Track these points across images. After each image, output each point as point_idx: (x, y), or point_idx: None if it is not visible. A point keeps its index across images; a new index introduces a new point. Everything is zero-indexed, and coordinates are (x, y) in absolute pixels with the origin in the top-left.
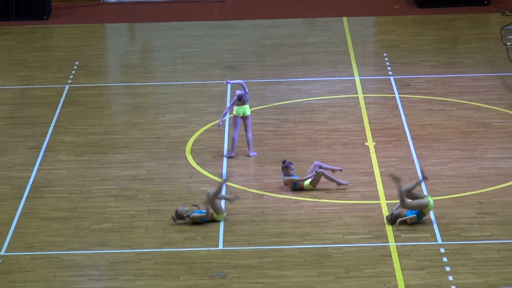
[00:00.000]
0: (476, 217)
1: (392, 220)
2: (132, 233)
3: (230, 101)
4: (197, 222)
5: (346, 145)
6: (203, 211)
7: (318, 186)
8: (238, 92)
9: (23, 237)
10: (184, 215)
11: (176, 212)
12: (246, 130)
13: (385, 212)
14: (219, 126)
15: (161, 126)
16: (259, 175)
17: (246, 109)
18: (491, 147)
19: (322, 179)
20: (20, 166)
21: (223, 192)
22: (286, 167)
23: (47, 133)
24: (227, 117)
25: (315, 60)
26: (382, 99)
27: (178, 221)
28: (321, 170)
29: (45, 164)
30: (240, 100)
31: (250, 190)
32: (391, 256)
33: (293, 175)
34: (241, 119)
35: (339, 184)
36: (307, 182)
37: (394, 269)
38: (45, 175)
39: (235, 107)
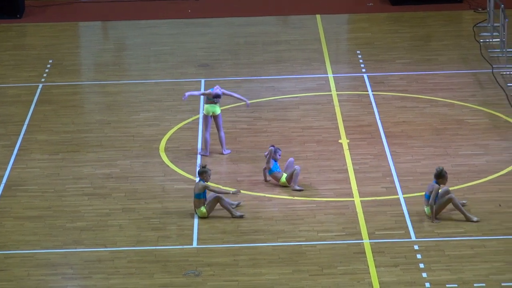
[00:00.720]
0: (450, 213)
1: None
2: (106, 232)
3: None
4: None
5: (319, 143)
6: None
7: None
8: (219, 90)
9: None
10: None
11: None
12: (217, 129)
13: (359, 209)
14: (184, 98)
15: (134, 125)
16: (233, 173)
17: (216, 108)
18: (465, 144)
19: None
20: None
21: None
22: (275, 152)
23: (20, 131)
24: (201, 113)
25: (288, 58)
26: (355, 96)
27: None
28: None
29: (18, 163)
30: (215, 98)
31: (224, 187)
32: (365, 253)
33: (275, 162)
34: (212, 118)
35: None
36: (283, 178)
37: (368, 266)
38: (18, 174)
39: (205, 105)
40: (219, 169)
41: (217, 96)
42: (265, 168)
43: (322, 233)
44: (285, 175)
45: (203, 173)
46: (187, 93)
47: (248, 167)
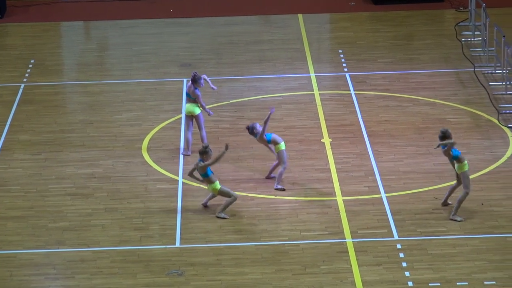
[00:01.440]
0: (432, 212)
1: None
2: (88, 232)
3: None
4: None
5: (302, 142)
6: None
7: (274, 183)
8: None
9: None
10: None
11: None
12: (199, 128)
13: (342, 209)
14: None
15: (117, 124)
16: (216, 172)
17: (195, 108)
18: None
19: None
20: None
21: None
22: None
23: (2, 132)
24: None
25: (271, 58)
26: (337, 95)
27: None
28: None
29: (1, 163)
30: (196, 82)
31: (206, 187)
32: (348, 252)
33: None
34: (193, 118)
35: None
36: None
37: (351, 265)
38: (1, 174)
39: (186, 105)
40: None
41: (194, 79)
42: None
43: (305, 232)
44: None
45: (204, 154)
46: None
47: (231, 166)
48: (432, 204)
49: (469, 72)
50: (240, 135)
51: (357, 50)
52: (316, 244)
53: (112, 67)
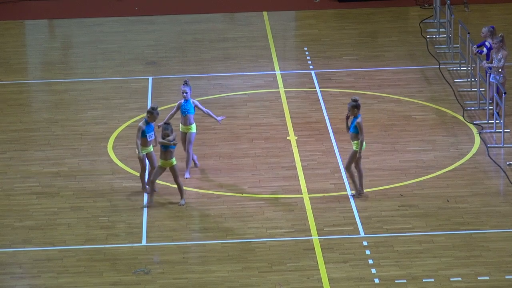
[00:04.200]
0: (398, 209)
1: None
2: (54, 231)
3: (152, 98)
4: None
5: (268, 140)
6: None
7: (240, 181)
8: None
9: None
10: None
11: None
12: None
13: (308, 206)
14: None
15: (82, 123)
16: (181, 170)
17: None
18: (412, 140)
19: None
20: None
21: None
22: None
23: None
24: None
25: (236, 55)
26: (303, 93)
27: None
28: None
29: None
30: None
31: (172, 185)
32: (314, 249)
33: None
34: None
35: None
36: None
37: (317, 263)
38: None
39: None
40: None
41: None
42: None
43: (271, 230)
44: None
45: (148, 112)
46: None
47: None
48: (398, 201)
49: (434, 69)
50: (206, 132)
51: (322, 47)
52: (283, 242)
53: (77, 65)
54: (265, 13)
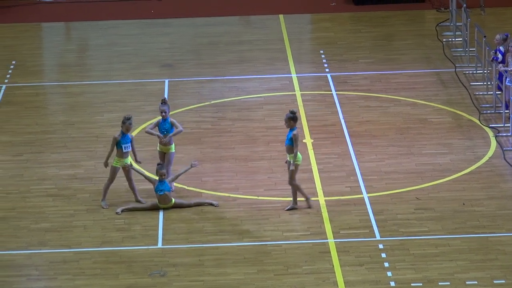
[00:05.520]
0: (414, 213)
1: None
2: (70, 233)
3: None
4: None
5: (284, 143)
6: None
7: (256, 184)
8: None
9: None
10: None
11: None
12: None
13: (324, 209)
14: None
15: (98, 125)
16: (198, 173)
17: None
18: (428, 143)
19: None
20: None
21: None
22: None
23: None
24: None
25: (252, 58)
26: (319, 96)
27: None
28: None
29: None
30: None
31: (188, 188)
32: (330, 252)
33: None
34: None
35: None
36: None
37: (333, 266)
38: None
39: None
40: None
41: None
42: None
43: (287, 232)
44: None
45: (122, 123)
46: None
47: (213, 167)
48: (413, 205)
49: (450, 72)
50: (222, 135)
51: (338, 50)
52: (299, 245)
53: (92, 68)
54: (281, 16)
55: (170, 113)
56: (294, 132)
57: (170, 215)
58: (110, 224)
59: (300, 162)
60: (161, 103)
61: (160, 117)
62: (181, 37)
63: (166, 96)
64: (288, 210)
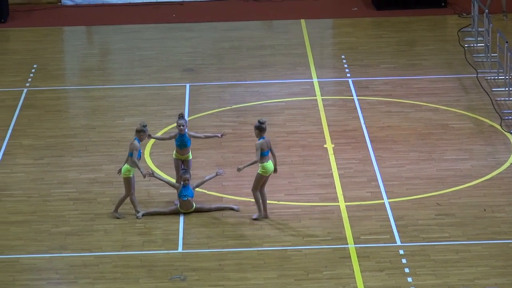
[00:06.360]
0: (435, 218)
1: None
2: (91, 237)
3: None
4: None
5: (304, 147)
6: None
7: (277, 188)
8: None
9: None
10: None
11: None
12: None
13: (344, 214)
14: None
15: (119, 129)
16: (218, 178)
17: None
18: (449, 148)
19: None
20: None
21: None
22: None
23: (5, 136)
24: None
25: (273, 63)
26: (340, 101)
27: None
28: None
29: (3, 168)
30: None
31: (209, 192)
32: (350, 258)
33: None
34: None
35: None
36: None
37: (353, 271)
38: (3, 179)
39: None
40: (204, 174)
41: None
42: None
43: (308, 237)
44: None
45: (140, 132)
46: None
47: (233, 171)
48: (434, 210)
49: (472, 78)
50: (243, 140)
51: (360, 55)
52: (319, 250)
53: (114, 72)
54: (302, 21)
55: (191, 117)
56: (258, 141)
57: (191, 220)
58: (130, 228)
59: (267, 173)
60: (179, 118)
61: (177, 131)
62: (203, 41)
63: (187, 100)
64: (254, 219)
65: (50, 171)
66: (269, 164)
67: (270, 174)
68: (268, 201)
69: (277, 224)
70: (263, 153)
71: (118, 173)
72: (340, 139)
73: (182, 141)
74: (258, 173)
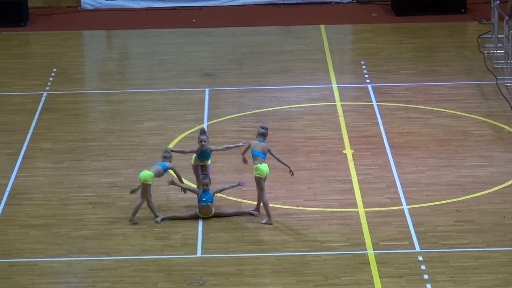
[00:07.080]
0: (454, 225)
1: None
2: (110, 241)
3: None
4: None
5: (324, 153)
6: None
7: (296, 194)
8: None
9: (1, 244)
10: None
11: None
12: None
13: (363, 220)
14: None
15: (139, 134)
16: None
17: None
18: (469, 155)
19: None
20: None
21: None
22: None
23: (25, 140)
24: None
25: (293, 68)
26: (360, 107)
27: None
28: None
29: (23, 171)
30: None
31: (228, 197)
32: (369, 264)
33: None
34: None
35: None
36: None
37: (372, 277)
38: (23, 182)
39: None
40: (222, 179)
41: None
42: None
43: (327, 243)
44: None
45: (167, 157)
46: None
47: (252, 176)
48: (454, 217)
49: (491, 84)
50: None
51: (379, 61)
52: (338, 255)
53: (133, 76)
54: (322, 27)
55: (210, 122)
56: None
57: (210, 224)
58: (149, 232)
59: (262, 175)
60: (201, 133)
61: (198, 146)
62: (222, 46)
63: (206, 105)
64: (264, 223)
65: (69, 174)
66: (263, 166)
67: (266, 176)
68: (287, 206)
69: (296, 230)
70: (255, 153)
71: (131, 193)
72: (359, 145)
73: (203, 155)
74: (255, 176)
